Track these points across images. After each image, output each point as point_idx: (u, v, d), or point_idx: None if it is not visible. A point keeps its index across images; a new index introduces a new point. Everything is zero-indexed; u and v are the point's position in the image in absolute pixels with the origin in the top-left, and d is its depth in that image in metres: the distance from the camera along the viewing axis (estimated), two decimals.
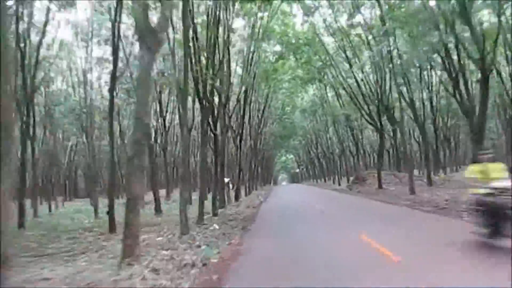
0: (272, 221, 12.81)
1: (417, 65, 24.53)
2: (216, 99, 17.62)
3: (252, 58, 24.41)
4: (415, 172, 41.32)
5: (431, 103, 30.64)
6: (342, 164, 51.75)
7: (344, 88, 27.32)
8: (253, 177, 43.17)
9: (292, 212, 15.43)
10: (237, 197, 25.14)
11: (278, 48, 31.73)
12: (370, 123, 26.49)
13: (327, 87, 37.63)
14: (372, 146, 54.81)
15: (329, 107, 37.72)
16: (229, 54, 18.77)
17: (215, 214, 15.96)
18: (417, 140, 46.60)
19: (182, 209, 10.33)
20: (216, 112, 16.13)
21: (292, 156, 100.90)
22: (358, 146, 36.18)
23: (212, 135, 16.74)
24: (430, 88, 29.23)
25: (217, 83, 16.09)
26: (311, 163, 79.03)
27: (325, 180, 63.60)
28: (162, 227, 13.59)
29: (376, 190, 25.87)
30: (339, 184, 46.73)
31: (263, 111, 39.53)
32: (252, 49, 23.93)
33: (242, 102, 24.88)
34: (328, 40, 29.22)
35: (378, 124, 25.65)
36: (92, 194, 31.34)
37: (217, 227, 11.69)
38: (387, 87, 22.23)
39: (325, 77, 32.20)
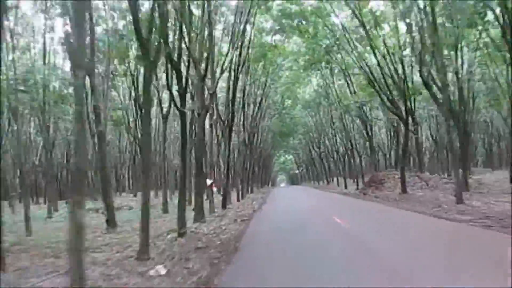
0: (269, 257, 7.32)
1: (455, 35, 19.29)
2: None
3: (243, 29, 19.08)
4: (427, 172, 35.91)
5: (461, 90, 25.28)
6: (348, 164, 46.40)
7: (361, 67, 21.88)
8: (248, 178, 37.76)
9: (302, 232, 9.95)
10: (224, 204, 19.71)
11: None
12: (393, 111, 21.09)
13: (335, 73, 32.27)
14: (379, 145, 49.30)
15: (336, 97, 32.30)
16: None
17: (181, 234, 10.53)
18: (433, 135, 41.36)
19: (73, 244, 4.88)
20: (184, 79, 10.63)
21: (291, 156, 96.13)
22: (372, 143, 30.69)
23: (178, 113, 11.25)
24: (461, 72, 23.87)
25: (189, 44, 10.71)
26: (311, 164, 73.62)
27: (328, 182, 58.17)
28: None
29: (401, 196, 20.51)
30: (346, 187, 41.37)
31: (260, 102, 34.19)
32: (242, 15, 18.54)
33: (232, 81, 19.50)
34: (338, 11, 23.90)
35: (403, 111, 20.28)
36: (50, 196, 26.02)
37: (162, 271, 6.25)
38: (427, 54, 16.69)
39: (334, 57, 26.82)
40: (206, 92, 14.69)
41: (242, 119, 28.58)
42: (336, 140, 43.24)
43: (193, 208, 14.26)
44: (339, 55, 27.51)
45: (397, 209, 14.83)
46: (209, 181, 16.91)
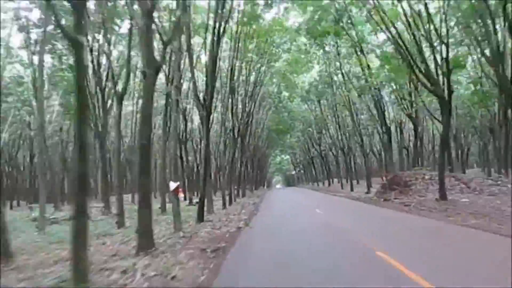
0: None
1: None
2: None
3: None
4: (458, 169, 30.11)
5: None
6: (352, 164, 41.04)
7: (387, 29, 16.33)
8: (240, 180, 32.27)
9: None
10: (201, 216, 14.25)
11: None
12: (429, 89, 15.62)
13: (343, 53, 26.92)
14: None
15: (346, 77, 26.90)
16: None
17: None
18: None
19: None
20: None
21: (288, 156, 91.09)
22: (390, 135, 25.19)
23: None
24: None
25: None
26: (310, 164, 68.17)
27: (329, 184, 52.67)
28: None
29: (441, 204, 15.11)
30: (352, 189, 35.98)
31: (252, 91, 28.85)
32: None
33: (212, 43, 14.00)
34: None
35: (445, 88, 14.90)
36: None
37: None
38: None
39: (345, 27, 21.40)
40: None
41: (231, 106, 23.20)
42: (340, 136, 37.71)
43: (136, 229, 8.74)
44: (350, 28, 22.18)
45: (462, 227, 9.38)
46: (172, 184, 11.42)
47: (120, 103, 14.87)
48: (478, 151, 47.99)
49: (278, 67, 33.45)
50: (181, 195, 11.82)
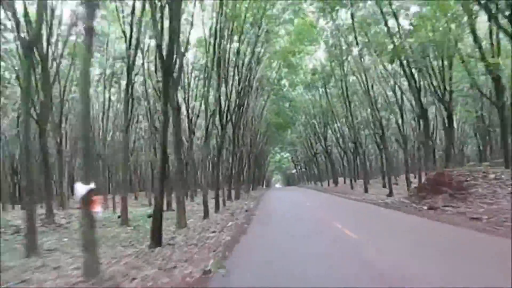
0: None
1: None
2: None
3: None
4: None
5: None
6: (366, 160, 35.55)
7: None
8: (231, 179, 26.76)
9: None
10: (157, 237, 8.81)
11: None
12: None
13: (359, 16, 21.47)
14: (397, 138, 37.28)
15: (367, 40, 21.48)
16: None
17: None
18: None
19: None
20: None
21: (288, 154, 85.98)
22: (427, 120, 19.54)
23: None
24: None
25: None
26: (313, 162, 62.63)
27: (335, 184, 47.08)
28: None
29: None
30: (366, 191, 30.55)
31: (248, 66, 23.49)
32: None
33: None
34: None
35: None
36: None
37: None
38: None
39: None
40: None
41: (217, 81, 17.69)
42: (353, 127, 32.16)
43: None
44: None
45: None
46: (80, 188, 5.92)
47: (27, 57, 9.33)
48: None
49: (278, 47, 28.06)
50: (98, 209, 6.24)
